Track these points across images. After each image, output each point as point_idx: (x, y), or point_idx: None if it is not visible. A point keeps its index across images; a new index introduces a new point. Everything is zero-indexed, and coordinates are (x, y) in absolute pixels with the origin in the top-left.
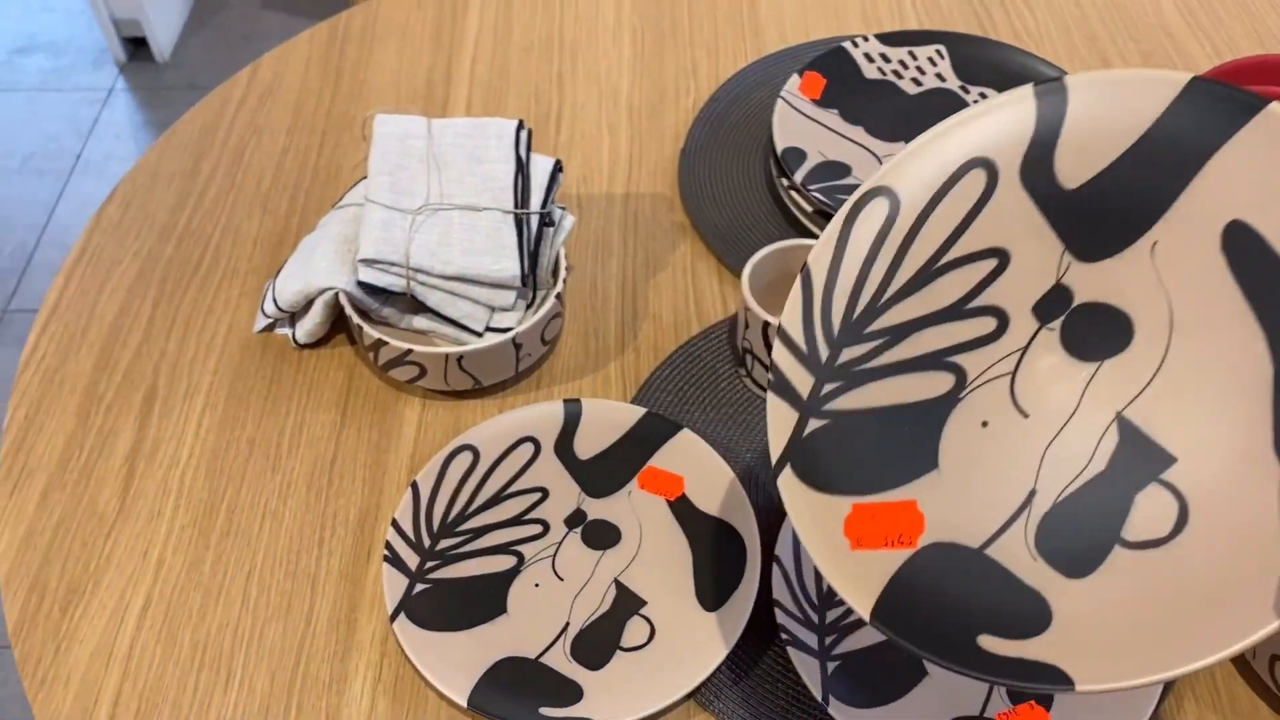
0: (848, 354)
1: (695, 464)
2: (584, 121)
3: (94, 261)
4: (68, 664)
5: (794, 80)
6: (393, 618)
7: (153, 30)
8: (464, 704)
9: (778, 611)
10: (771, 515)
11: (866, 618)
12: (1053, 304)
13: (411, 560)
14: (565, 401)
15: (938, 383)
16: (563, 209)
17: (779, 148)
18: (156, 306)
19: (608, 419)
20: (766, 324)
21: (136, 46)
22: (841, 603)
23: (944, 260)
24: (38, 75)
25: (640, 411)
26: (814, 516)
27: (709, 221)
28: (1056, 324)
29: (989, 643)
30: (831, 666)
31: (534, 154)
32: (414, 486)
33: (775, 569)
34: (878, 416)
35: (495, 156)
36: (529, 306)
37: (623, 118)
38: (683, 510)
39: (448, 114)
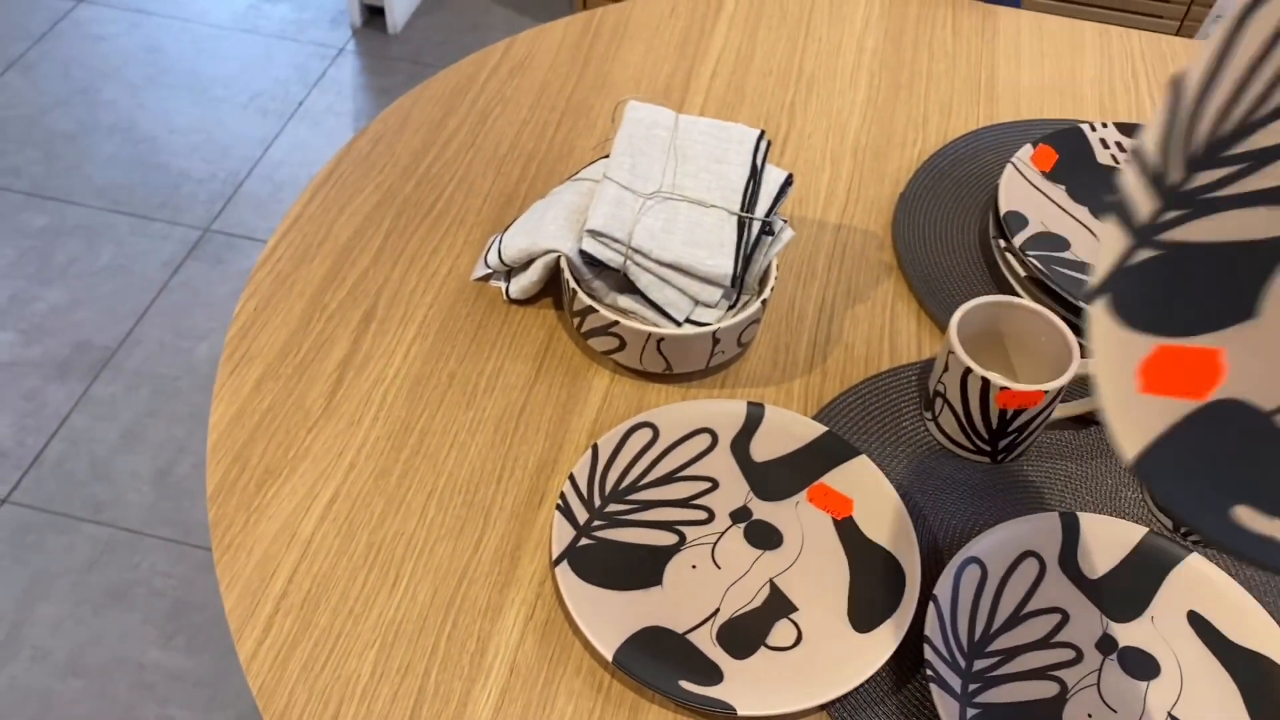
0: (1202, 178)
1: (867, 490)
2: (809, 150)
3: (339, 185)
4: (254, 535)
5: (1027, 149)
6: (555, 563)
7: (391, 2)
8: (609, 658)
9: (926, 648)
10: (935, 556)
11: (1130, 460)
12: None
13: (581, 515)
14: (749, 403)
15: None
16: (784, 221)
17: (1002, 209)
18: (388, 237)
19: (787, 429)
20: (968, 370)
21: (373, 14)
22: (992, 654)
23: None
24: (279, 24)
25: (821, 429)
26: (1112, 352)
27: (917, 265)
28: None
29: (1244, 515)
30: (972, 713)
31: (768, 165)
32: (594, 448)
33: (931, 607)
34: (1213, 253)
35: (733, 159)
36: (730, 308)
37: (847, 153)
38: (847, 531)
39: None
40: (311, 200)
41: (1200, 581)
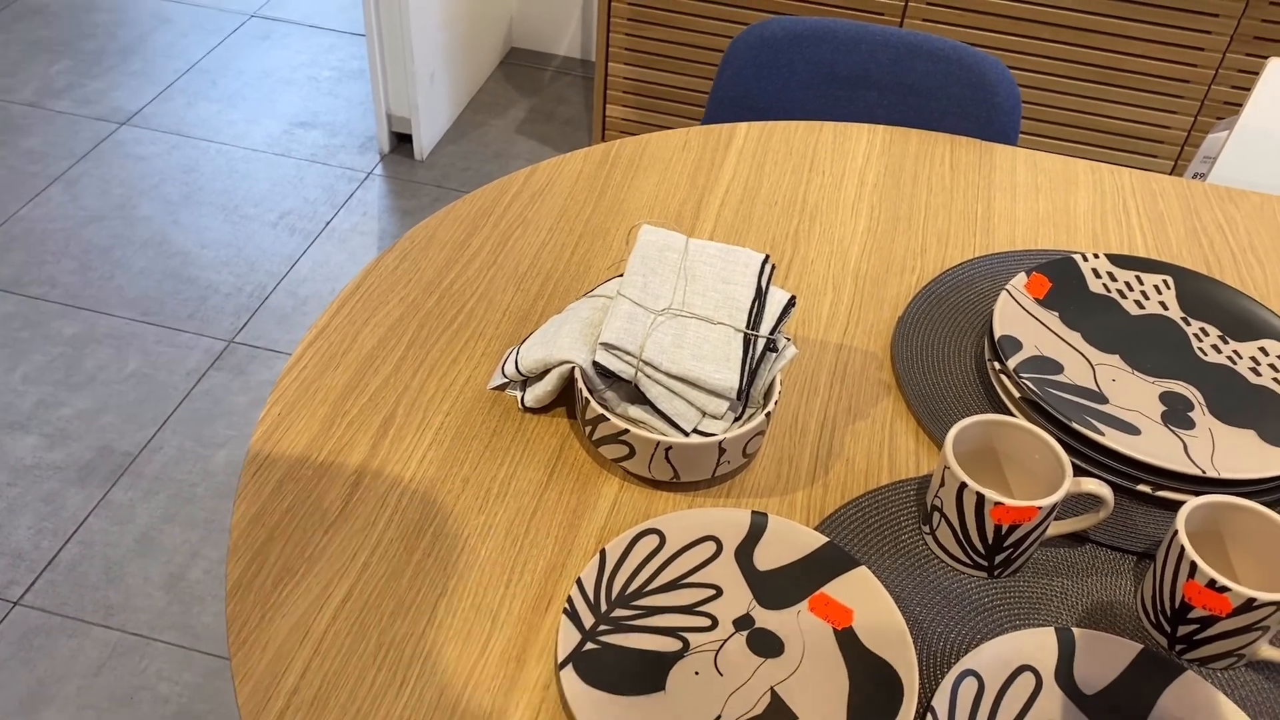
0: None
1: (867, 601)
2: (812, 275)
3: (365, 298)
4: (269, 632)
5: (1021, 277)
6: (560, 667)
7: (419, 130)
8: None
9: None
10: (933, 668)
11: None
12: None
13: (587, 619)
14: (753, 512)
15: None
16: (788, 339)
17: (997, 333)
18: (409, 348)
19: (790, 539)
20: (963, 485)
21: (401, 141)
22: None
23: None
24: (311, 148)
25: (822, 539)
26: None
27: (915, 385)
28: None
29: None
30: None
31: (772, 286)
32: (602, 554)
33: (929, 719)
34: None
35: (739, 280)
36: (736, 419)
37: (848, 279)
38: (847, 641)
39: None
40: (338, 312)
41: (1195, 698)
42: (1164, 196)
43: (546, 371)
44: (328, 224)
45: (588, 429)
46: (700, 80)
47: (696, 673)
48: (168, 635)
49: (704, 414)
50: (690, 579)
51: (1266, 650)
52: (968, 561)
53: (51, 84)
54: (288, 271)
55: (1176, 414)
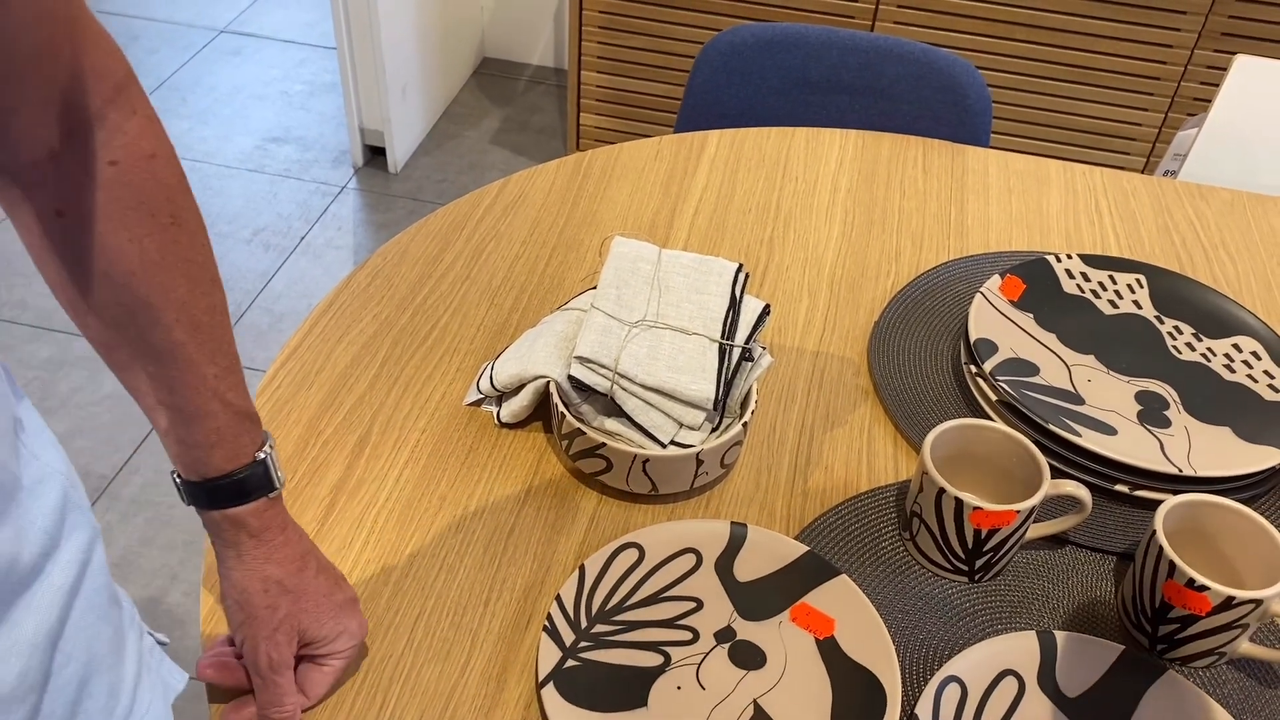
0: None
1: (848, 610)
2: (787, 282)
3: (338, 316)
4: None
5: (995, 280)
6: (541, 685)
7: (392, 143)
8: None
9: None
10: (916, 675)
11: None
12: None
13: (567, 636)
14: (732, 523)
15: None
16: (763, 348)
17: (972, 336)
18: (383, 365)
19: (770, 549)
20: (941, 491)
21: (374, 154)
22: None
23: None
24: (284, 163)
25: (802, 549)
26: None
27: (892, 390)
28: None
29: None
30: None
31: (746, 295)
32: (581, 569)
33: None
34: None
35: (713, 290)
36: (713, 430)
37: (823, 285)
38: (829, 651)
39: None
40: (311, 331)
41: (1177, 698)
42: (1135, 195)
43: (522, 386)
44: (302, 239)
45: (564, 443)
46: (675, 87)
47: (679, 687)
48: None
49: (681, 425)
50: (671, 592)
51: (1247, 648)
52: (948, 567)
53: None
54: (263, 288)
55: (1152, 413)
